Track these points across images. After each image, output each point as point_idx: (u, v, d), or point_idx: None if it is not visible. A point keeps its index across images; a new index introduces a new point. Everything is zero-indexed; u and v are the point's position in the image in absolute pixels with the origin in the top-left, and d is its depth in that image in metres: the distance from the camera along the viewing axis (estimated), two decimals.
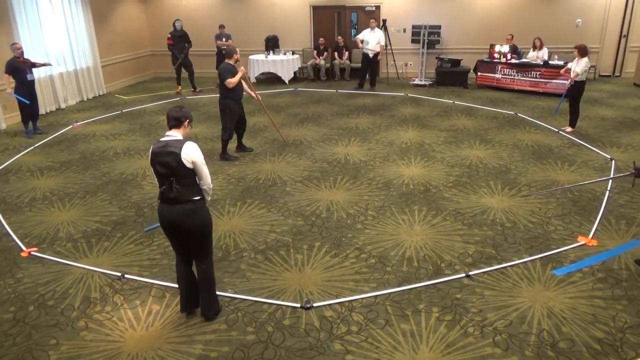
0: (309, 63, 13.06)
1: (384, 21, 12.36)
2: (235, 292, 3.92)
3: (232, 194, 5.85)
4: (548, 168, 6.50)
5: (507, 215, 5.16)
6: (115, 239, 4.84)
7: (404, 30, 12.97)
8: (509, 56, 11.30)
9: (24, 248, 4.69)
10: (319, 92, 11.73)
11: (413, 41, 12.55)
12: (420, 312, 3.65)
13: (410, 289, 3.94)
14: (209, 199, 3.48)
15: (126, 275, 4.18)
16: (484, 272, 4.14)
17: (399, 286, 3.97)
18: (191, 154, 3.24)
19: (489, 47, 11.85)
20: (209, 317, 3.58)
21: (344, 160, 6.91)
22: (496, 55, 11.46)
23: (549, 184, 5.96)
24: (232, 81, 6.56)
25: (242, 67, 6.74)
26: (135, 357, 3.25)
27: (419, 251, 4.49)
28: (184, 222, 3.30)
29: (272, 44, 13.10)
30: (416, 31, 12.37)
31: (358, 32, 12.65)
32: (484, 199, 5.57)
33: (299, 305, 3.74)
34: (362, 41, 11.49)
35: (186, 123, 3.38)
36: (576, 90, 7.87)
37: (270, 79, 13.01)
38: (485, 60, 11.69)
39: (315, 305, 3.73)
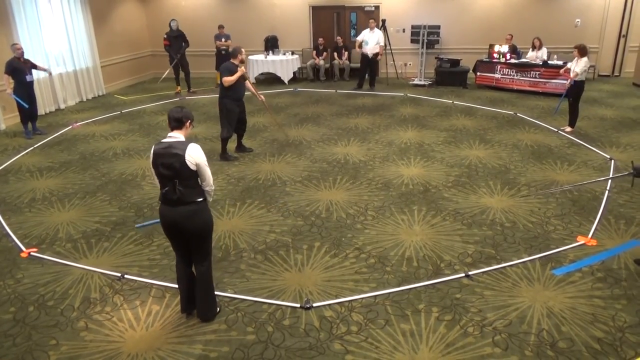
0: (309, 63, 13.07)
1: (383, 21, 12.37)
2: (235, 292, 3.92)
3: (232, 194, 5.85)
4: (547, 168, 6.50)
5: (506, 215, 5.17)
6: (115, 240, 4.84)
7: (403, 30, 12.97)
8: (508, 56, 11.30)
9: (23, 249, 4.69)
10: (319, 92, 11.73)
11: (412, 41, 12.55)
12: (420, 312, 3.65)
13: (410, 289, 3.94)
14: (211, 200, 3.49)
15: (126, 276, 4.18)
16: (483, 272, 4.14)
17: (399, 286, 3.97)
18: (195, 155, 3.23)
19: (488, 47, 11.86)
20: (206, 319, 3.58)
21: (344, 161, 6.91)
22: (495, 55, 11.46)
23: (548, 184, 5.96)
24: (228, 79, 6.55)
25: (242, 68, 6.72)
26: (135, 358, 3.25)
27: (419, 251, 4.49)
28: (186, 223, 3.29)
29: (271, 44, 13.11)
30: (415, 31, 12.37)
31: (357, 32, 12.67)
32: (483, 199, 5.57)
33: (298, 305, 3.75)
34: (361, 42, 11.50)
35: (188, 124, 3.37)
36: (576, 90, 7.88)
37: (269, 79, 13.01)
38: (484, 60, 11.70)
39: (315, 305, 3.74)
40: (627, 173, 4.43)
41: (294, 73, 12.86)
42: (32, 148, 7.81)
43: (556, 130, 8.19)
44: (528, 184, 5.96)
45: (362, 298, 3.82)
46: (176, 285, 3.72)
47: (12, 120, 9.07)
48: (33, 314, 3.72)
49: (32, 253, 4.60)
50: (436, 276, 4.10)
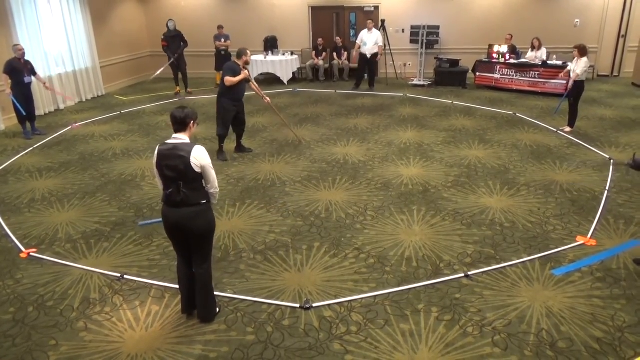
0: (308, 63, 13.07)
1: (383, 21, 12.38)
2: (235, 293, 3.92)
3: (232, 194, 5.85)
4: (547, 168, 6.50)
5: (506, 215, 5.17)
6: (114, 240, 4.84)
7: (403, 31, 12.97)
8: (507, 56, 11.31)
9: (23, 249, 4.69)
10: (318, 93, 11.74)
11: (412, 41, 12.56)
12: (420, 312, 3.66)
13: (410, 289, 3.94)
14: (215, 202, 3.48)
15: (125, 276, 4.18)
16: (483, 272, 4.14)
17: (398, 286, 3.97)
18: (200, 158, 3.22)
19: (487, 47, 11.86)
20: (206, 321, 3.58)
21: (343, 161, 6.91)
22: (495, 56, 11.47)
23: (547, 184, 5.97)
24: (230, 79, 6.55)
25: (245, 71, 6.71)
26: (134, 358, 3.25)
27: (418, 251, 4.50)
28: (189, 224, 3.28)
29: (270, 45, 13.11)
30: (415, 31, 12.37)
31: (357, 33, 12.66)
32: (482, 199, 5.58)
33: (298, 305, 3.75)
34: (360, 44, 11.52)
35: (191, 124, 3.32)
36: (577, 90, 7.89)
37: (269, 80, 13.01)
38: (484, 60, 11.70)
39: (314, 305, 3.74)
40: (626, 162, 4.39)
41: (294, 73, 12.86)
42: (31, 148, 7.81)
43: (555, 130, 8.19)
44: (527, 184, 5.96)
45: (362, 298, 3.83)
46: (175, 286, 3.72)
47: (11, 120, 9.06)
48: (32, 314, 3.72)
49: (31, 253, 4.60)
50: (436, 276, 4.10)
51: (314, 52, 13.03)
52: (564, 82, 9.44)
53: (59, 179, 6.49)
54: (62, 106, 10.54)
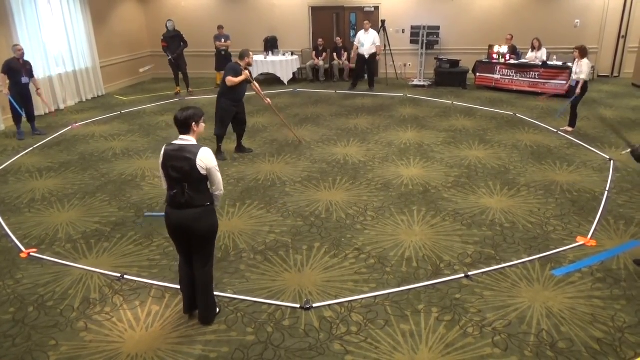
0: (308, 64, 13.07)
1: (383, 22, 12.38)
2: (235, 293, 3.92)
3: (232, 194, 5.85)
4: (547, 168, 6.50)
5: (506, 215, 5.17)
6: (114, 240, 4.84)
7: (403, 31, 12.98)
8: (507, 57, 11.31)
9: (23, 249, 4.69)
10: (318, 93, 11.74)
11: (412, 42, 12.56)
12: (420, 312, 3.66)
13: (410, 289, 3.94)
14: (219, 204, 3.47)
15: (126, 276, 4.18)
16: (483, 273, 4.14)
17: (399, 286, 3.97)
18: (206, 160, 3.21)
19: (487, 47, 11.86)
20: (206, 322, 3.57)
21: (343, 161, 6.91)
22: (495, 56, 11.47)
23: (547, 184, 5.97)
24: (232, 80, 6.57)
25: (247, 72, 6.72)
26: (134, 358, 3.25)
27: (418, 252, 4.49)
28: (193, 225, 3.27)
29: (271, 45, 13.12)
30: (415, 32, 12.37)
31: (357, 33, 12.65)
32: (483, 200, 5.58)
33: (298, 305, 3.75)
34: (358, 45, 11.54)
35: (194, 125, 3.28)
36: (581, 92, 7.89)
37: (269, 80, 13.01)
38: (484, 60, 11.70)
39: (314, 305, 3.74)
40: (628, 150, 4.31)
41: (294, 74, 12.87)
42: (31, 148, 7.81)
43: (556, 130, 8.19)
44: (528, 185, 5.96)
45: (362, 298, 3.83)
46: (176, 286, 3.72)
47: (11, 121, 9.05)
48: (32, 314, 3.72)
49: (31, 253, 4.60)
50: (436, 277, 4.10)
51: (314, 53, 13.04)
52: (564, 82, 9.46)
53: (59, 179, 6.49)
54: (62, 106, 10.54)
